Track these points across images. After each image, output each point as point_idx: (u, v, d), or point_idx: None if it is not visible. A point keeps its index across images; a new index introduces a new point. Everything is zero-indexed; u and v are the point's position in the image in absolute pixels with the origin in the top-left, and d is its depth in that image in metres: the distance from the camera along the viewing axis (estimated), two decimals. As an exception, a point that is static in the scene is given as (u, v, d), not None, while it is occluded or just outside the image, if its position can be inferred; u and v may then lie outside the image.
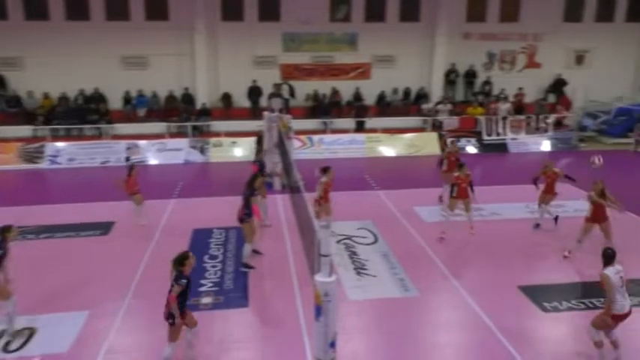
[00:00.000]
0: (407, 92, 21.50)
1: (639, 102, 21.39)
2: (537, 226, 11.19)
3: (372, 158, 18.53)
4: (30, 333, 7.32)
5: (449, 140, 12.73)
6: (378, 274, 9.12)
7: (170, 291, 6.15)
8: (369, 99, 20.91)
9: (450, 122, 20.10)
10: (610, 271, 6.34)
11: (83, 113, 19.06)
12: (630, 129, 19.98)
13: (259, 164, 11.73)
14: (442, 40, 21.09)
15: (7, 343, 7.02)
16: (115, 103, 19.96)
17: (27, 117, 18.88)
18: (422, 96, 21.37)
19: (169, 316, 6.18)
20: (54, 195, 14.60)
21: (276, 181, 14.30)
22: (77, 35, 19.30)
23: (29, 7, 19.16)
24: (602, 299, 7.95)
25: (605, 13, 22.07)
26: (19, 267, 9.58)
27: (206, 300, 8.28)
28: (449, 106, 20.43)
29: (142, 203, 11.51)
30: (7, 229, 7.14)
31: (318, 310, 5.86)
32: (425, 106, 20.80)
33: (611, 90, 22.24)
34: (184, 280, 6.18)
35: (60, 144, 17.86)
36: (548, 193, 10.94)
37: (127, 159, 17.69)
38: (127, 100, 19.89)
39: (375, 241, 10.63)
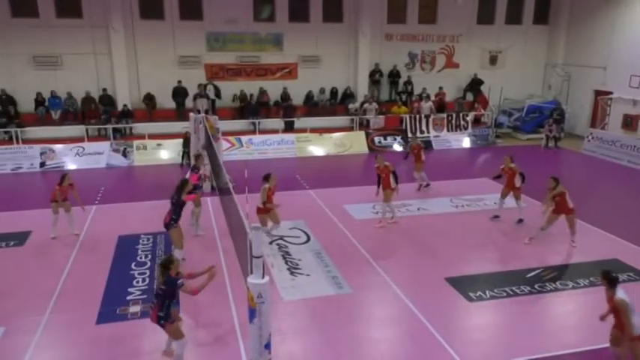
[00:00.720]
0: (334, 92, 21.80)
1: (548, 100, 23.05)
2: (496, 217, 11.89)
3: (302, 158, 18.63)
4: None
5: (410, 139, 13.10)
6: (312, 273, 9.20)
7: (164, 295, 6.20)
8: (297, 99, 20.99)
9: (376, 121, 20.64)
10: (622, 294, 5.87)
11: (-12, 117, 17.66)
12: (541, 125, 21.49)
13: (196, 171, 11.37)
14: (365, 41, 21.58)
15: None
16: (26, 105, 18.64)
17: None
18: (348, 95, 21.77)
19: (164, 317, 6.23)
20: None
21: (206, 183, 13.98)
22: (-20, 33, 17.86)
23: None
24: (522, 287, 8.57)
25: (514, 16, 23.57)
26: None
27: (134, 309, 7.97)
28: (374, 106, 20.95)
29: (71, 211, 10.82)
30: None
31: (252, 313, 5.83)
32: (351, 106, 21.21)
33: (523, 88, 23.86)
34: (180, 281, 6.28)
35: (-38, 150, 16.44)
36: (509, 188, 11.61)
37: (43, 164, 16.61)
38: (40, 102, 18.63)
39: (308, 240, 10.71)
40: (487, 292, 8.55)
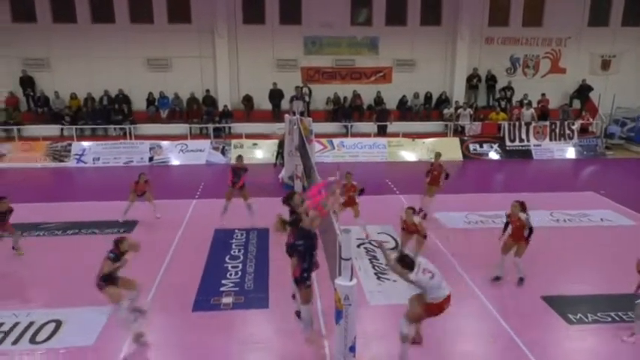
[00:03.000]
0: (428, 97, 21.39)
1: (667, 109, 20.96)
2: (497, 279, 9.16)
3: (393, 163, 18.48)
4: (57, 325, 7.48)
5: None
6: (399, 279, 9.06)
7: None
8: (390, 103, 20.86)
9: (472, 127, 19.94)
10: None
11: (108, 114, 19.42)
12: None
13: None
14: (464, 45, 20.95)
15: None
16: (139, 104, 20.27)
17: (54, 117, 19.29)
18: (443, 101, 21.25)
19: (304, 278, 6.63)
20: (80, 193, 14.85)
21: (298, 183, 14.33)
22: (103, 38, 19.72)
23: (57, 10, 19.59)
24: (630, 313, 7.82)
25: (632, 17, 21.66)
26: (47, 261, 9.83)
27: (226, 300, 8.35)
28: (469, 111, 20.26)
29: (152, 199, 11.97)
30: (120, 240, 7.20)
31: (339, 314, 5.88)
32: (446, 111, 20.68)
33: (639, 96, 21.84)
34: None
35: (86, 143, 18.23)
36: (514, 240, 9.26)
37: (151, 159, 17.95)
38: (151, 101, 20.19)
39: (396, 245, 10.59)
40: (589, 315, 7.92)
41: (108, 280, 6.91)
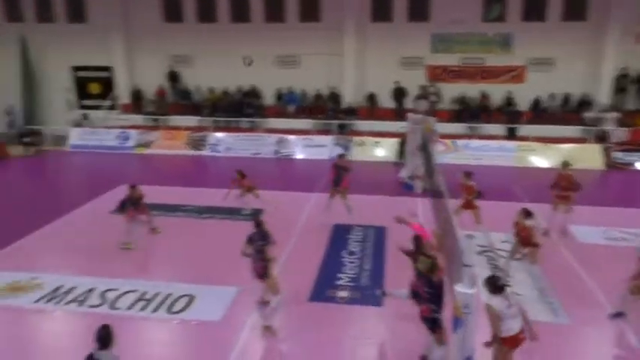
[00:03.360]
0: (566, 98, 19.74)
1: None
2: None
3: (521, 168, 17.39)
4: (190, 299, 8.23)
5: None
6: (524, 293, 8.55)
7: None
8: (522, 104, 19.62)
9: (618, 134, 18.00)
10: None
11: (241, 107, 20.74)
12: None
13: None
14: (612, 42, 18.94)
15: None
16: (269, 99, 21.37)
17: (195, 109, 21.10)
18: (584, 103, 19.46)
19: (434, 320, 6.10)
20: (213, 180, 16.08)
21: (417, 183, 14.15)
22: (240, 36, 21.07)
23: (201, 11, 21.34)
24: None
25: None
26: (183, 241, 10.80)
27: (342, 294, 8.53)
28: (615, 115, 18.31)
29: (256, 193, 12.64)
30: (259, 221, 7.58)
31: (457, 322, 5.71)
32: (587, 115, 18.90)
33: None
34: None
35: (220, 134, 19.70)
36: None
37: (277, 152, 18.86)
38: (279, 96, 21.18)
39: (523, 257, 9.97)
40: None
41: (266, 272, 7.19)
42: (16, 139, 19.97)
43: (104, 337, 4.36)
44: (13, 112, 21.35)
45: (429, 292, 6.16)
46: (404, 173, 15.15)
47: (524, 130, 18.69)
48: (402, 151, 16.92)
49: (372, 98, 20.65)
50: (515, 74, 20.20)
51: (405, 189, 14.52)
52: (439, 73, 20.57)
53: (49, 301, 8.22)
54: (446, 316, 6.15)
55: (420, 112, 14.69)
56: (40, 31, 21.87)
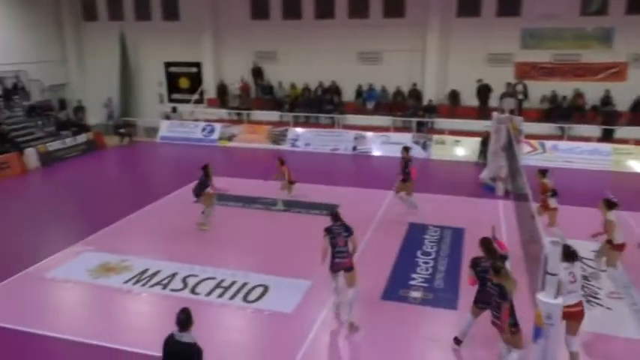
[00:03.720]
0: (672, 98, 18.01)
1: None
2: None
3: (617, 173, 16.10)
4: (264, 289, 8.46)
5: None
6: (614, 307, 7.94)
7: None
8: (622, 104, 18.14)
9: None
10: None
11: (320, 103, 20.94)
12: None
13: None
14: None
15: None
16: (348, 95, 21.39)
17: (276, 104, 21.60)
18: (693, 103, 17.65)
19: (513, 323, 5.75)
20: (292, 174, 16.33)
21: (499, 185, 13.57)
22: (323, 32, 21.23)
23: (287, 8, 21.75)
24: None
25: None
26: (260, 232, 11.12)
27: (415, 294, 8.39)
28: None
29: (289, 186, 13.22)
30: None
31: (538, 332, 5.43)
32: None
33: None
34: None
35: (299, 130, 20.03)
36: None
37: (354, 148, 18.86)
38: (359, 93, 21.13)
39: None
40: None
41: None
42: (113, 130, 21.51)
43: (184, 319, 4.58)
44: (111, 105, 23.01)
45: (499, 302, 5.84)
46: (485, 174, 14.59)
47: (622, 132, 17.29)
48: (483, 151, 16.29)
49: (454, 96, 20.04)
50: (615, 71, 18.71)
51: (487, 190, 13.98)
52: (528, 70, 19.52)
53: (136, 282, 8.80)
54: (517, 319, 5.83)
55: (506, 111, 14.03)
56: (137, 29, 23.37)
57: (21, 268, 9.29)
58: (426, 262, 9.55)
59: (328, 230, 7.35)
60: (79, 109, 20.85)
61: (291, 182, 13.32)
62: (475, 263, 6.53)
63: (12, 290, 8.62)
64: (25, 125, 18.86)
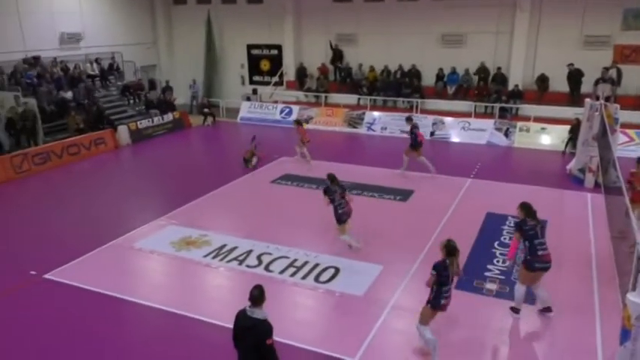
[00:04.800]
0: None
1: None
2: None
3: None
4: (336, 271, 8.56)
5: None
6: None
7: None
8: None
9: None
10: None
11: (399, 87, 20.56)
12: None
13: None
14: None
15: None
16: (428, 79, 20.83)
17: (354, 87, 21.49)
18: None
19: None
20: (366, 158, 16.31)
21: (589, 177, 12.71)
22: (404, 15, 20.76)
23: (369, -11, 21.46)
24: None
25: None
26: (332, 215, 11.19)
27: (490, 286, 8.13)
28: None
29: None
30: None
31: (625, 334, 5.09)
32: None
33: None
34: None
35: (376, 113, 19.83)
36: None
37: (432, 133, 18.40)
38: (440, 76, 20.50)
39: None
40: None
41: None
42: (197, 110, 22.46)
43: (257, 295, 4.72)
44: (195, 86, 23.98)
45: None
46: (573, 165, 13.72)
47: None
48: (572, 140, 15.31)
49: (543, 80, 18.89)
50: None
51: (574, 182, 13.17)
52: (628, 54, 17.93)
53: (214, 257, 9.22)
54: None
55: (601, 98, 13.04)
56: (223, 12, 24.10)
57: (112, 237, 10.04)
58: (503, 254, 9.18)
59: (326, 189, 9.17)
60: (167, 89, 21.95)
61: (304, 142, 14.62)
62: (523, 222, 7.00)
63: (104, 258, 9.34)
64: (118, 104, 20.20)
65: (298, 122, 15.28)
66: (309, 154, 14.66)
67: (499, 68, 19.55)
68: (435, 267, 6.05)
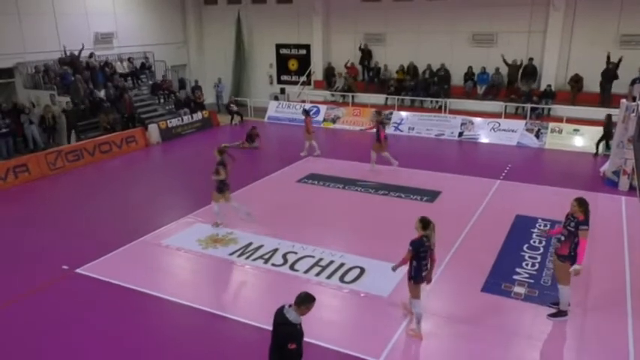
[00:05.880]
0: None
1: None
2: None
3: None
4: (361, 271, 8.52)
5: None
6: None
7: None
8: None
9: None
10: None
11: (427, 86, 20.35)
12: None
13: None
14: None
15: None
16: (457, 79, 20.55)
17: (382, 86, 21.37)
18: None
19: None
20: (393, 158, 16.20)
21: (624, 180, 12.34)
22: (433, 14, 20.56)
23: (398, -11, 21.31)
24: None
25: None
26: (359, 214, 11.17)
27: (518, 289, 7.97)
28: None
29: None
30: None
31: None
32: None
33: None
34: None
35: (404, 113, 19.66)
36: None
37: (460, 134, 18.15)
38: (469, 76, 20.19)
39: None
40: None
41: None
42: (225, 109, 22.67)
43: (300, 298, 4.65)
44: (220, 85, 24.11)
45: None
46: (607, 167, 13.33)
47: None
48: (605, 141, 14.89)
49: (576, 80, 18.40)
50: None
51: (608, 185, 12.81)
52: (667, 53, 17.34)
53: (240, 255, 9.30)
54: None
55: (637, 99, 12.63)
56: (252, 11, 24.30)
57: (141, 234, 10.23)
58: (532, 257, 9.01)
59: (220, 163, 10.07)
60: (197, 88, 22.23)
61: (309, 132, 15.41)
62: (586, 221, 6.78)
63: (132, 254, 9.52)
64: (149, 102, 20.58)
65: (306, 112, 16.26)
66: (317, 145, 15.65)
67: (531, 59, 19.09)
68: (412, 244, 6.54)
